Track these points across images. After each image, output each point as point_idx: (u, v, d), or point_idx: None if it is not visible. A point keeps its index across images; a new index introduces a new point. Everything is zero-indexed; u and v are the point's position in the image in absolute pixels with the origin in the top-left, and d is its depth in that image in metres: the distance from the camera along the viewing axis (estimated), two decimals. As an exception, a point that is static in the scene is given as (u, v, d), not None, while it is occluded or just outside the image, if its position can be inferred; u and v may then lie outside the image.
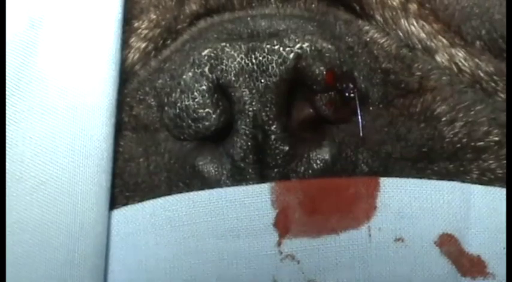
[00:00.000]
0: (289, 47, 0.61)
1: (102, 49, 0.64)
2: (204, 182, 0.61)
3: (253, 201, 0.59)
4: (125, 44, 0.71)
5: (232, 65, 0.61)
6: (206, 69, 0.61)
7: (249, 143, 0.61)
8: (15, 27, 0.64)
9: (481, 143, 0.63)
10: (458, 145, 0.63)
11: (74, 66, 0.63)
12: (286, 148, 0.61)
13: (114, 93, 0.64)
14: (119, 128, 0.66)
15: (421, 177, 0.61)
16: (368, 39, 0.68)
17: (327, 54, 0.62)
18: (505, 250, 0.58)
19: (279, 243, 0.59)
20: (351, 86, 0.63)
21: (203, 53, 0.62)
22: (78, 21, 0.65)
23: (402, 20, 0.70)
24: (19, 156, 0.61)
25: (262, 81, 0.61)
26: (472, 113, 0.65)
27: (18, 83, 0.63)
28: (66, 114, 0.62)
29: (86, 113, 0.62)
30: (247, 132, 0.61)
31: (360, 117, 0.63)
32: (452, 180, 0.61)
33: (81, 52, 0.64)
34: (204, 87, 0.61)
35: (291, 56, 0.61)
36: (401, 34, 0.70)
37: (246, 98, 0.61)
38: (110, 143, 0.63)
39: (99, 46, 0.64)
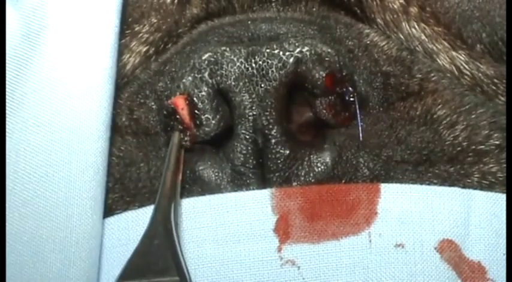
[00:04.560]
0: (289, 51, 0.61)
1: (98, 63, 0.64)
2: (205, 187, 0.61)
3: (253, 207, 0.59)
4: (126, 48, 0.71)
5: (232, 70, 0.61)
6: (206, 74, 0.61)
7: (249, 148, 0.61)
8: (11, 39, 0.64)
9: (482, 147, 0.63)
10: (459, 148, 0.63)
11: (69, 80, 0.63)
12: (287, 152, 0.61)
13: (110, 107, 0.64)
14: (120, 133, 0.66)
15: (421, 180, 0.61)
16: (368, 43, 0.68)
17: (326, 58, 0.62)
18: (505, 256, 0.58)
19: (280, 249, 0.59)
20: (351, 89, 0.63)
21: (203, 58, 0.62)
22: (74, 35, 0.65)
23: (403, 23, 0.70)
24: (12, 167, 0.61)
25: (262, 85, 0.61)
26: (473, 116, 0.65)
27: (12, 95, 0.63)
28: (62, 128, 0.62)
29: (82, 127, 0.62)
30: (248, 136, 0.61)
31: (359, 120, 0.63)
32: (453, 183, 0.61)
33: (77, 66, 0.64)
34: (203, 92, 0.61)
35: (291, 60, 0.61)
36: (402, 37, 0.70)
37: (246, 103, 0.61)
38: (105, 157, 0.63)
39: (95, 60, 0.64)
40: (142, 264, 0.57)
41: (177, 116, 0.62)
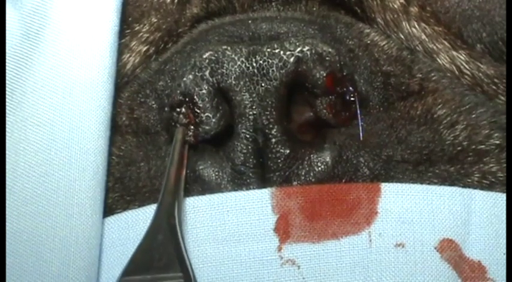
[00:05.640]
0: (289, 50, 0.61)
1: (97, 62, 0.64)
2: (205, 187, 0.61)
3: (253, 207, 0.59)
4: (126, 48, 0.71)
5: (233, 69, 0.61)
6: (207, 72, 0.61)
7: (250, 147, 0.61)
8: (11, 39, 0.64)
9: (482, 146, 0.63)
10: (459, 148, 0.63)
11: (69, 79, 0.63)
12: (287, 151, 0.61)
13: (110, 106, 0.64)
14: (120, 132, 0.66)
15: (422, 180, 0.61)
16: (369, 42, 0.68)
17: (327, 58, 0.62)
18: (505, 256, 0.58)
19: (280, 248, 0.59)
20: (351, 89, 0.63)
21: (204, 56, 0.62)
22: (74, 34, 0.65)
23: (403, 23, 0.70)
24: (11, 166, 0.61)
25: (263, 85, 0.61)
26: (473, 116, 0.65)
27: (12, 94, 0.63)
28: (62, 127, 0.62)
29: (82, 126, 0.62)
30: (248, 136, 0.61)
31: (360, 120, 0.63)
32: (453, 183, 0.61)
33: (76, 65, 0.64)
34: (204, 91, 0.61)
35: (292, 59, 0.61)
36: (402, 37, 0.70)
37: (247, 102, 0.61)
38: (105, 156, 0.63)
39: (94, 59, 0.64)
40: (145, 259, 0.57)
41: (181, 111, 0.62)
